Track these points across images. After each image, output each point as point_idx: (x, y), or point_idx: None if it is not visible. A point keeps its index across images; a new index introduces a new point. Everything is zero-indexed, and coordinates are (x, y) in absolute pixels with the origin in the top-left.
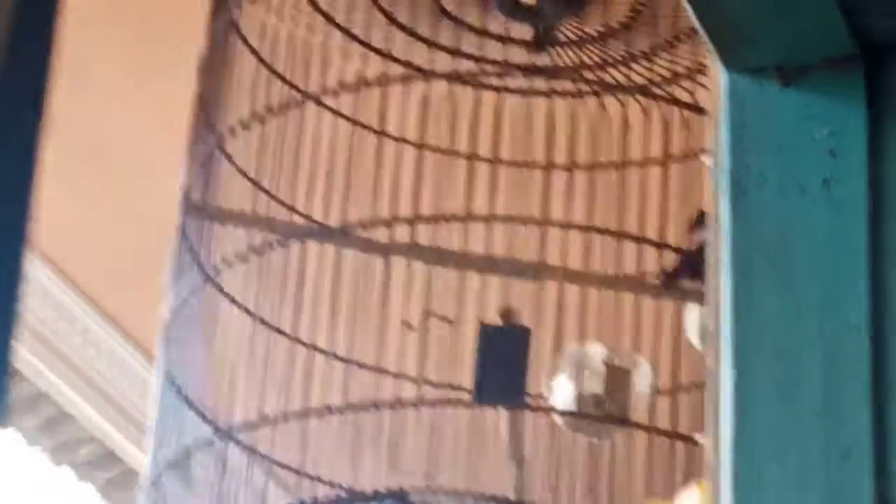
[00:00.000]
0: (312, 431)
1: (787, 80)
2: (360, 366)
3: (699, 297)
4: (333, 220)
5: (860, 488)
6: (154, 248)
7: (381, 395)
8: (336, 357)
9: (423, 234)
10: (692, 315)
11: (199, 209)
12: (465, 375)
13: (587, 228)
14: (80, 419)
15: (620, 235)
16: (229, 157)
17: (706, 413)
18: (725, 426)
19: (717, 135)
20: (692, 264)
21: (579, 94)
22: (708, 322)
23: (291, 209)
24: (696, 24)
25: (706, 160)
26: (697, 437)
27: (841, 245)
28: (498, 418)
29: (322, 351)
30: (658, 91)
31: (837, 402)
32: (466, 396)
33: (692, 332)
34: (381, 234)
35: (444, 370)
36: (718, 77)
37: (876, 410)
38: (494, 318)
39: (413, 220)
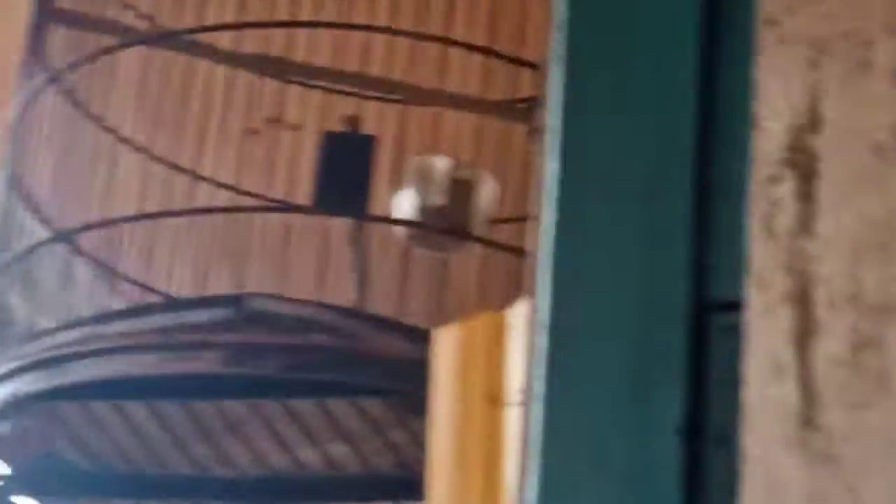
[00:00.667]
0: (157, 239)
1: None
2: (201, 178)
3: None
4: (184, 25)
5: (677, 282)
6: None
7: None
8: (178, 168)
9: (274, 44)
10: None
11: (47, 14)
12: (308, 185)
13: (442, 40)
14: None
15: (472, 49)
16: None
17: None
18: (548, 223)
19: None
20: None
21: None
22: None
23: (137, 12)
24: None
25: None
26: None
27: (672, 42)
28: (342, 229)
29: (164, 161)
30: None
31: (658, 201)
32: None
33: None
34: (227, 42)
35: (288, 179)
36: None
37: (697, 211)
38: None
39: (264, 27)
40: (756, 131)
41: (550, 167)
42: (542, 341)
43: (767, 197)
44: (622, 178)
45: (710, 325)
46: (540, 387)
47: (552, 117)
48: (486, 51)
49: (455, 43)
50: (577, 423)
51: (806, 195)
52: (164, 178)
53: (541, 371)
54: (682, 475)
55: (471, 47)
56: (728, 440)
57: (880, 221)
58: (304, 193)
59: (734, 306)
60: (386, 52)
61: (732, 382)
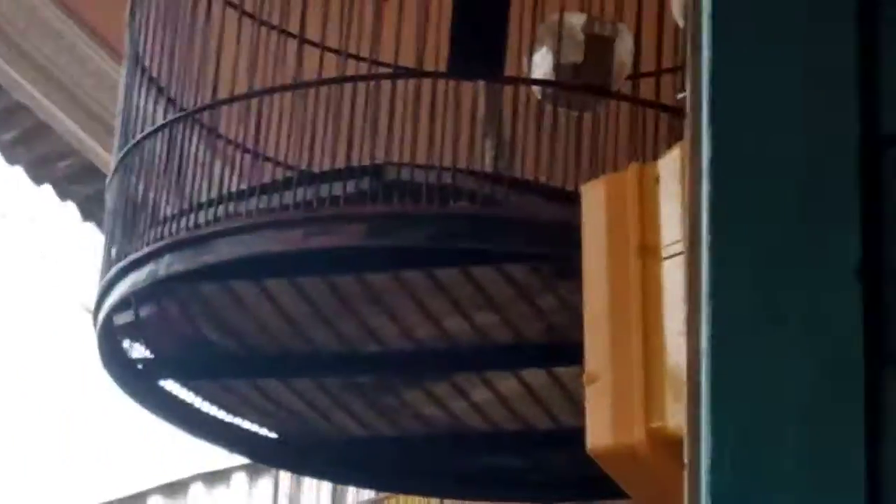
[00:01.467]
0: (287, 111)
1: None
2: (329, 49)
3: None
4: None
5: (846, 118)
6: None
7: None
8: (308, 42)
9: None
10: None
11: None
12: (443, 51)
13: None
14: (59, 131)
15: None
16: None
17: (688, 55)
18: (704, 61)
19: None
20: None
21: None
22: None
23: None
24: None
25: None
26: (680, 96)
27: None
28: (476, 92)
29: (291, 34)
30: None
31: (824, 33)
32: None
33: (678, 11)
34: None
35: (420, 45)
36: None
37: (864, 44)
38: None
39: None
40: None
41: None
42: (705, 186)
43: None
44: (781, 9)
45: (884, 159)
46: (704, 234)
47: None
48: None
49: None
50: (745, 269)
51: None
52: (293, 51)
53: (704, 218)
54: (862, 318)
55: None
56: None
57: None
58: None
59: None
60: None
61: None
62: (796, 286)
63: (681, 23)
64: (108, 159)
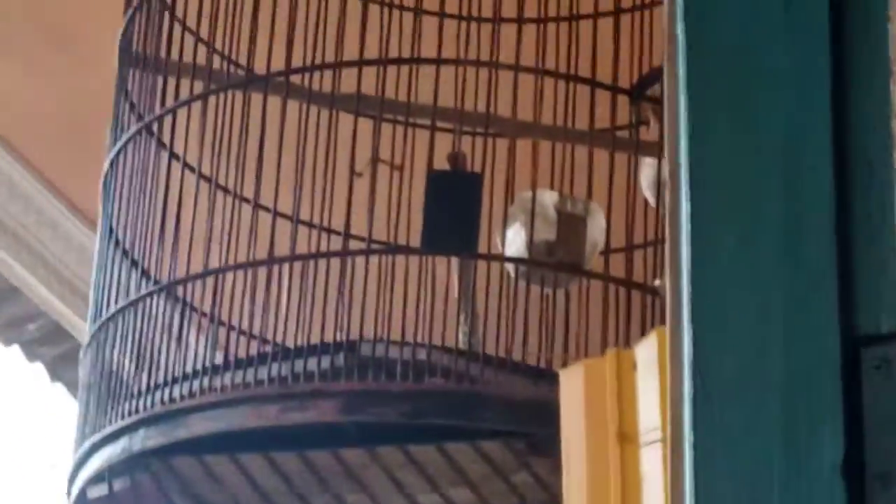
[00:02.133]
0: (259, 285)
1: None
2: (305, 223)
3: (654, 151)
4: (276, 70)
5: (825, 319)
6: (104, 124)
7: (329, 247)
8: (280, 215)
9: (369, 83)
10: (647, 171)
11: (139, 60)
12: (415, 225)
13: (537, 71)
14: (28, 293)
15: (571, 79)
16: (169, 7)
17: (667, 251)
18: (684, 264)
19: None
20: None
21: None
22: (666, 150)
23: (230, 60)
24: None
25: None
26: (657, 283)
27: (801, 70)
28: (448, 268)
29: (265, 208)
30: None
31: (799, 236)
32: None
33: (647, 188)
34: (325, 84)
35: (392, 220)
36: None
37: (840, 241)
38: (443, 166)
39: (358, 66)
40: None
41: (681, 204)
42: (686, 383)
43: None
44: (758, 212)
45: (864, 358)
46: (687, 431)
47: (678, 153)
48: (585, 80)
49: (551, 73)
50: (728, 467)
51: None
52: (266, 224)
53: (686, 414)
54: None
55: (569, 77)
56: (892, 478)
57: None
58: (410, 234)
59: (888, 338)
60: (485, 86)
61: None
62: (779, 484)
63: (650, 199)
64: (76, 321)
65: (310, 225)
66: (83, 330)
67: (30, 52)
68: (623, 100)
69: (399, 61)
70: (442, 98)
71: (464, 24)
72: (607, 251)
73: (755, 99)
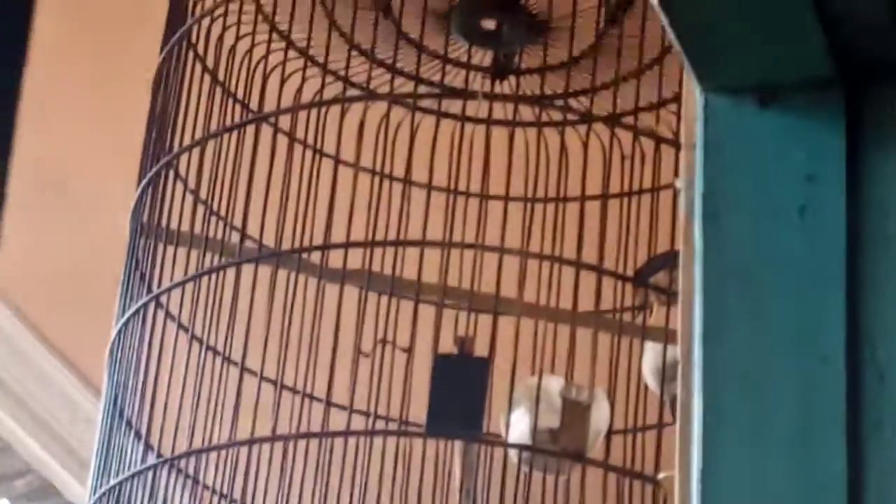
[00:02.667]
0: (260, 462)
1: (765, 102)
2: (311, 398)
3: (658, 336)
4: (286, 246)
5: None
6: (101, 279)
7: (336, 426)
8: (289, 389)
9: (378, 262)
10: (649, 355)
11: (149, 230)
12: (420, 406)
13: (546, 258)
14: (18, 449)
15: (580, 266)
16: (181, 178)
17: (677, 446)
18: (694, 460)
19: (690, 156)
20: (663, 262)
21: (542, 124)
22: (678, 352)
23: (243, 233)
24: (674, 41)
25: (678, 183)
26: (661, 476)
27: (817, 275)
28: (449, 451)
29: (270, 381)
30: (621, 122)
31: (810, 436)
32: (419, 429)
33: (648, 373)
34: (335, 260)
35: (398, 400)
36: (695, 97)
37: (851, 448)
38: (450, 348)
39: (369, 246)
40: None
41: (693, 403)
42: None
43: None
44: (769, 423)
45: None
46: None
47: (693, 353)
48: (593, 268)
49: (564, 261)
50: None
51: None
52: (270, 399)
53: None
54: None
55: (579, 265)
56: None
57: None
58: (417, 415)
59: None
60: (496, 269)
61: None
62: None
63: (651, 385)
64: (67, 478)
65: (318, 400)
66: (72, 487)
67: (29, 204)
68: (627, 285)
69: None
70: (452, 279)
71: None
72: (610, 433)
73: (770, 301)
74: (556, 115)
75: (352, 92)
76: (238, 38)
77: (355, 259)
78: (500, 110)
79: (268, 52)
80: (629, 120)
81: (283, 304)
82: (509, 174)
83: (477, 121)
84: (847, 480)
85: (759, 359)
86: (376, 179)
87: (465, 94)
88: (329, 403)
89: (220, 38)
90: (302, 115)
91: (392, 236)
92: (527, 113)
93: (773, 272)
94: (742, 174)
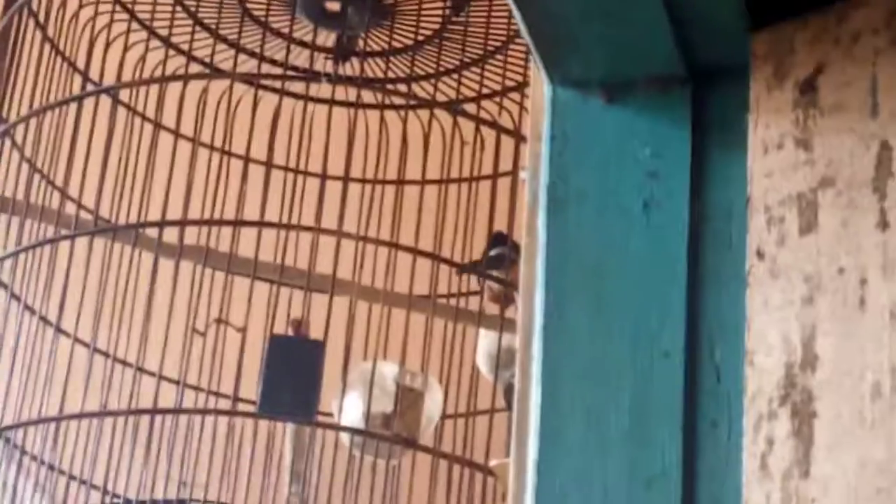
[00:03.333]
0: (92, 435)
1: (611, 96)
2: (144, 371)
3: (493, 323)
4: (123, 219)
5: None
6: None
7: (161, 402)
8: (121, 362)
9: (216, 239)
10: (483, 342)
11: None
12: (253, 386)
13: (384, 243)
14: None
15: (417, 253)
16: (17, 146)
17: (514, 435)
18: (530, 449)
19: (536, 148)
20: (493, 262)
21: (385, 107)
22: (518, 341)
23: (79, 205)
24: (524, 33)
25: (523, 174)
26: (493, 463)
27: (658, 271)
28: (282, 432)
29: (102, 353)
30: (466, 108)
31: (646, 431)
32: (252, 407)
33: (482, 360)
34: (172, 236)
35: (231, 379)
36: (542, 88)
37: (686, 442)
38: (285, 329)
39: (208, 224)
40: (750, 368)
41: (533, 395)
42: None
43: (763, 436)
44: (606, 414)
45: None
46: None
47: (532, 344)
48: (432, 256)
49: (401, 247)
50: None
51: (802, 435)
52: (106, 374)
53: None
54: None
55: (417, 251)
56: None
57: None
58: (250, 394)
59: None
60: (333, 251)
61: None
62: None
63: (485, 372)
64: None
65: (146, 372)
66: None
67: None
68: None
69: (248, 223)
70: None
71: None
72: (443, 418)
73: (611, 295)
74: (399, 100)
75: (195, 68)
76: (81, 7)
77: (192, 236)
78: (343, 92)
79: (111, 22)
80: (472, 107)
81: (116, 278)
82: (349, 156)
83: (320, 101)
84: (681, 475)
85: (599, 352)
86: (215, 156)
87: (308, 74)
88: (161, 378)
89: (63, 7)
90: (143, 88)
91: (230, 215)
92: (369, 96)
93: (616, 266)
94: (587, 168)
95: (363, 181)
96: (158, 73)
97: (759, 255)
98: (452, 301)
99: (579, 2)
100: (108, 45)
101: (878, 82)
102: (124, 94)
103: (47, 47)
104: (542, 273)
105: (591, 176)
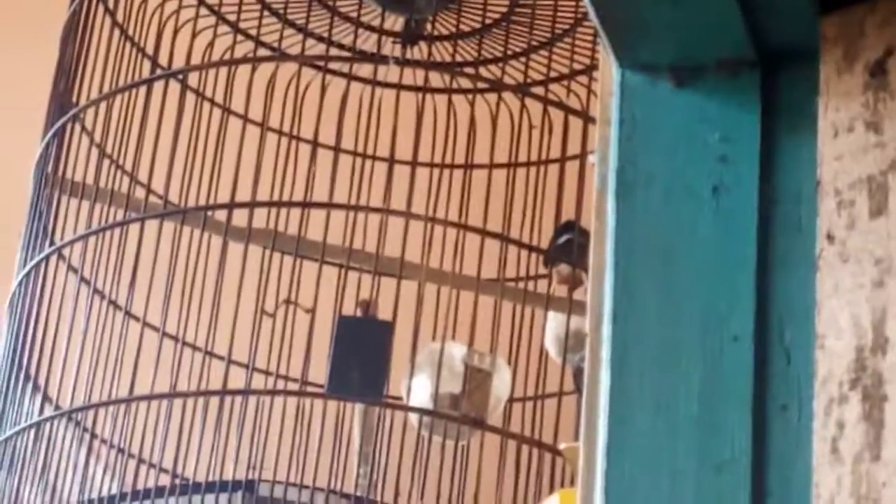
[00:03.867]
0: (161, 416)
1: (681, 81)
2: (213, 355)
3: (562, 306)
4: (192, 202)
5: (737, 489)
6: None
7: (236, 383)
8: (190, 346)
9: (285, 222)
10: (552, 324)
11: (53, 183)
12: (321, 368)
13: (452, 224)
14: None
15: (486, 234)
16: (87, 131)
17: (582, 418)
18: (600, 433)
19: (605, 132)
20: (561, 249)
21: (452, 91)
22: (588, 324)
23: (148, 188)
24: (594, 17)
25: (592, 158)
26: (562, 446)
27: (728, 255)
28: (349, 413)
29: (171, 336)
30: (534, 91)
31: (715, 415)
32: (321, 389)
33: (550, 343)
34: (240, 219)
35: (300, 361)
36: (611, 72)
37: (755, 426)
38: (353, 310)
39: (275, 206)
40: (820, 352)
41: (602, 380)
42: None
43: (834, 420)
44: (675, 399)
45: None
46: None
47: (602, 328)
48: (500, 237)
49: (469, 228)
50: None
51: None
52: (175, 356)
53: None
54: None
55: (485, 233)
56: None
57: None
58: (318, 376)
59: None
60: (401, 234)
61: None
62: None
63: (553, 354)
64: None
65: (219, 358)
66: None
67: None
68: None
69: (316, 205)
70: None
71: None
72: (511, 400)
73: (680, 279)
74: (467, 83)
75: (262, 52)
76: None
77: (260, 219)
78: (411, 76)
79: (179, 8)
80: (539, 90)
81: (186, 261)
82: (417, 140)
83: (387, 85)
84: (751, 460)
85: (668, 336)
86: (284, 140)
87: (376, 58)
88: (230, 362)
89: None
90: (211, 73)
91: (299, 198)
92: (437, 80)
93: (685, 251)
94: (656, 152)
95: (431, 165)
96: (227, 57)
97: (829, 238)
98: (521, 284)
99: None
100: (176, 31)
101: None
102: (193, 79)
103: (116, 33)
104: (612, 257)
105: (660, 160)
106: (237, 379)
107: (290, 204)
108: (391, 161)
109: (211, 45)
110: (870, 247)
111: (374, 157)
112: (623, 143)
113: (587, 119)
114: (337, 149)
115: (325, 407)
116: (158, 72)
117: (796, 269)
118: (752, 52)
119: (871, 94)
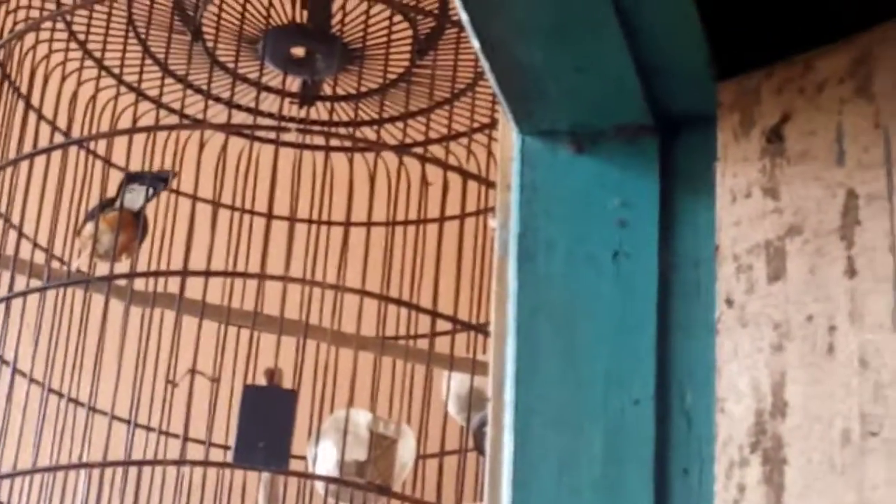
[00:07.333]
0: (61, 484)
1: (580, 146)
2: (119, 419)
3: (465, 366)
4: (97, 270)
5: None
6: None
7: (138, 451)
8: (94, 410)
9: (192, 288)
10: (453, 384)
11: None
12: (225, 434)
13: (330, 287)
14: None
15: (387, 300)
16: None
17: (486, 482)
18: (503, 497)
19: (506, 197)
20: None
21: (352, 150)
22: (490, 388)
23: (51, 255)
24: (493, 84)
25: (492, 223)
26: None
27: (628, 319)
28: (255, 480)
29: (79, 403)
30: (427, 151)
31: (618, 478)
32: (227, 457)
33: (451, 403)
34: (145, 285)
35: (204, 428)
36: (511, 137)
37: (657, 489)
38: (259, 379)
39: (182, 274)
40: (720, 415)
41: (505, 443)
42: None
43: (735, 483)
44: (578, 462)
45: None
46: None
47: (504, 391)
48: (409, 304)
49: (348, 289)
50: None
51: (773, 482)
52: (79, 422)
53: None
54: None
55: (363, 293)
56: None
57: None
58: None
59: None
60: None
61: None
62: None
63: (453, 414)
64: None
65: (125, 422)
66: None
67: None
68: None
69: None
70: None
71: None
72: (419, 458)
73: (582, 343)
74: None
75: (168, 116)
76: (48, 58)
77: (162, 283)
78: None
79: (81, 67)
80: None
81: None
82: (296, 195)
83: (281, 143)
84: None
85: (571, 400)
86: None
87: (277, 124)
88: (136, 426)
89: (31, 59)
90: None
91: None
92: (321, 139)
93: (586, 315)
94: (557, 217)
95: (309, 221)
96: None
97: (729, 302)
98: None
99: (547, 53)
100: (75, 94)
101: (844, 131)
102: (100, 144)
103: (16, 99)
104: (514, 322)
105: (561, 225)
106: (140, 448)
107: (189, 273)
108: (269, 216)
109: (115, 110)
110: (768, 311)
111: (252, 212)
112: (524, 209)
113: (482, 181)
114: (216, 203)
115: (231, 476)
116: (61, 139)
117: (696, 333)
118: (651, 117)
119: (769, 160)
